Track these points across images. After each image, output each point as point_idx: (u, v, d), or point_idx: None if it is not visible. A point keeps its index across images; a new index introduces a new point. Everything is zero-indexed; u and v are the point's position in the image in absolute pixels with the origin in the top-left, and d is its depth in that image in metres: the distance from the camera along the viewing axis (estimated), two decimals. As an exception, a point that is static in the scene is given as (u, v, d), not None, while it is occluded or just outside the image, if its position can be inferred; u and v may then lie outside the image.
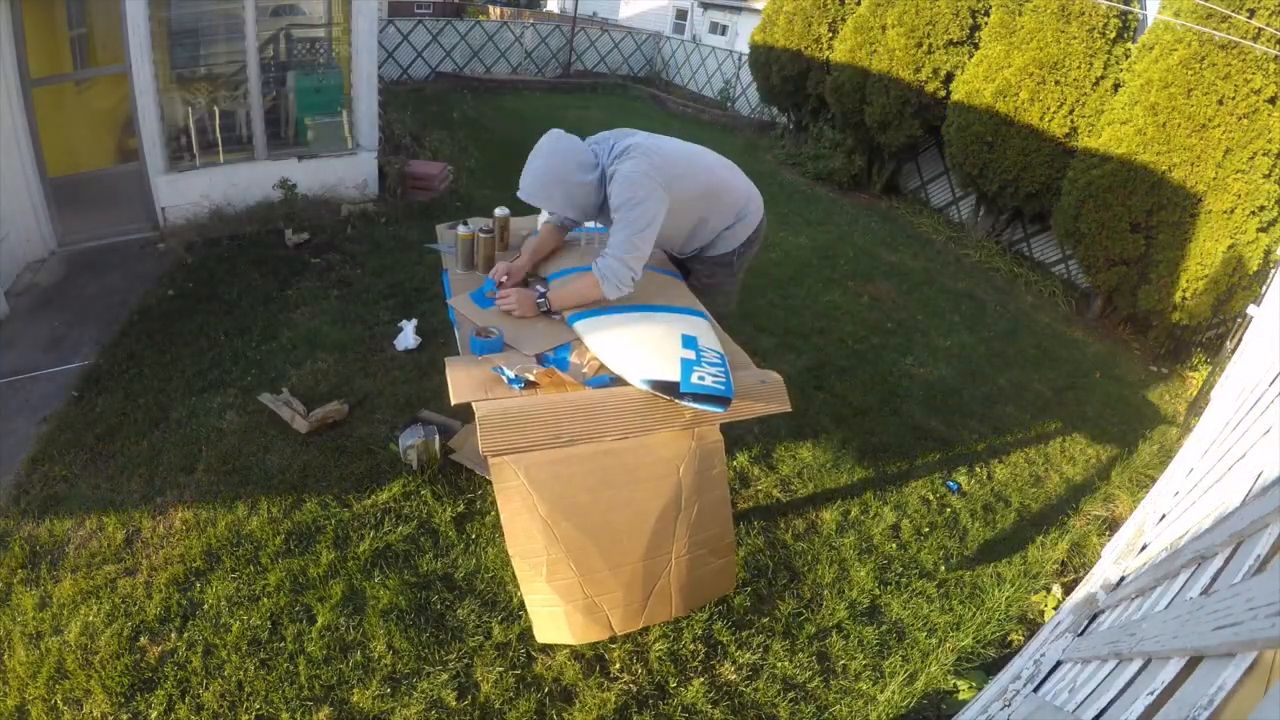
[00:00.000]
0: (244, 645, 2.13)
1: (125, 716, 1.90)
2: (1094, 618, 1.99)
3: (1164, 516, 2.29)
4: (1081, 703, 1.35)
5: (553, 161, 2.19)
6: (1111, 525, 3.21)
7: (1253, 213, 4.87)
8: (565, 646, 2.18)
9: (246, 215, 5.24)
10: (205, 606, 2.24)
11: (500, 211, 2.77)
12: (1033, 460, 3.71)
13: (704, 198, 2.41)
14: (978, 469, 3.53)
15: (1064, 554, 3.00)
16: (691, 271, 2.69)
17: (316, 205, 5.53)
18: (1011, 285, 6.53)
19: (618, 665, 2.21)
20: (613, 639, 2.20)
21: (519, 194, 2.24)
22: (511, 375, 1.90)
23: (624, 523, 1.79)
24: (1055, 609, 2.60)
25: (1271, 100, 4.71)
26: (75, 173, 5.17)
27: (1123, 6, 5.75)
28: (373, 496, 2.75)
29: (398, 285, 4.51)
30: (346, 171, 5.79)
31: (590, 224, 2.95)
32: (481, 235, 2.56)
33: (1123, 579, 2.08)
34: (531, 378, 1.92)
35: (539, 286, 2.54)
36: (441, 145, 7.22)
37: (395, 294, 4.40)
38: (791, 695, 2.21)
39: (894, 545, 2.91)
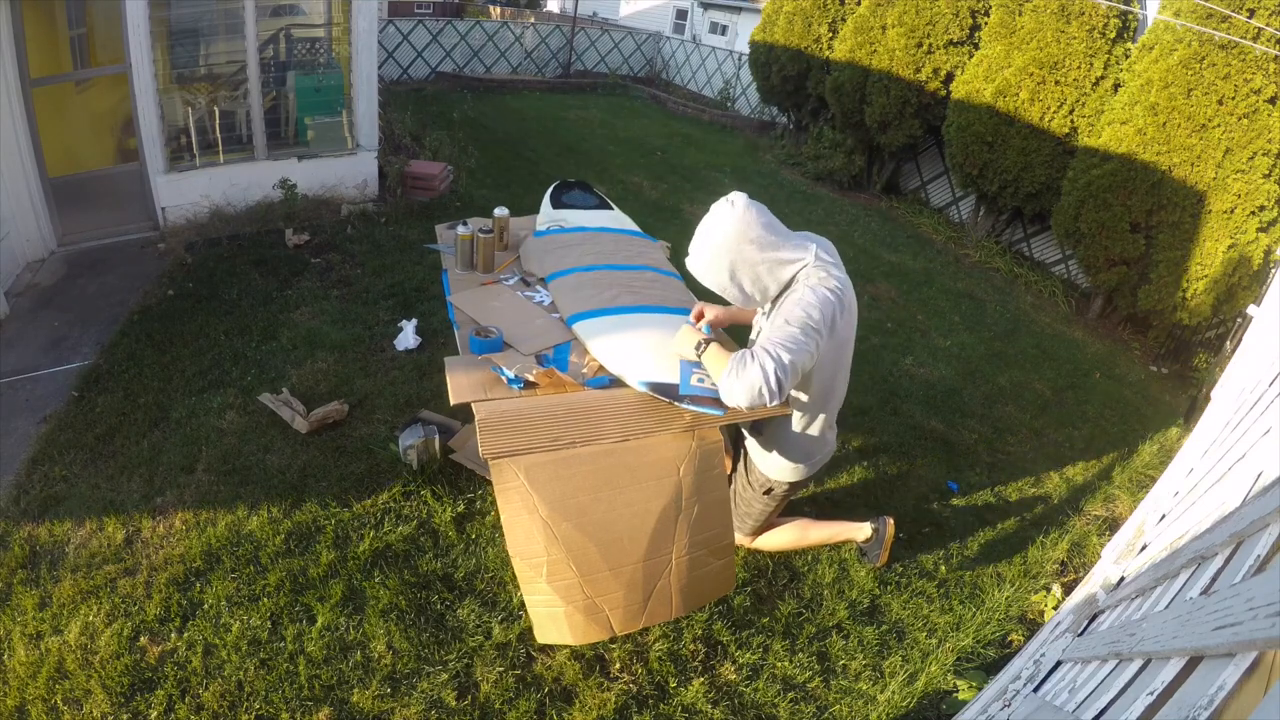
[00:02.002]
0: (244, 645, 2.13)
1: (125, 716, 1.90)
2: (1094, 618, 1.99)
3: (1164, 517, 2.28)
4: (1081, 703, 1.35)
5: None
6: (1111, 525, 3.21)
7: (1253, 213, 4.88)
8: (565, 647, 2.18)
9: (246, 215, 5.24)
10: (205, 606, 2.24)
11: (499, 211, 2.78)
12: (1033, 460, 3.71)
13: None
14: (978, 469, 3.53)
15: (1064, 554, 2.99)
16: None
17: (316, 205, 5.53)
18: (1011, 285, 6.53)
19: (618, 665, 2.21)
20: (613, 639, 2.20)
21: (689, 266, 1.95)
22: (511, 375, 1.90)
23: (624, 523, 1.78)
24: (1055, 609, 2.60)
25: (1271, 100, 4.71)
26: (75, 173, 5.17)
27: (1123, 6, 5.75)
28: (373, 496, 2.75)
29: (398, 285, 4.50)
30: (346, 171, 5.79)
31: (579, 224, 2.94)
32: (481, 235, 2.56)
33: (1123, 579, 2.08)
34: (531, 378, 1.92)
35: (539, 288, 2.54)
36: (441, 145, 7.22)
37: (395, 294, 4.40)
38: (791, 695, 2.21)
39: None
